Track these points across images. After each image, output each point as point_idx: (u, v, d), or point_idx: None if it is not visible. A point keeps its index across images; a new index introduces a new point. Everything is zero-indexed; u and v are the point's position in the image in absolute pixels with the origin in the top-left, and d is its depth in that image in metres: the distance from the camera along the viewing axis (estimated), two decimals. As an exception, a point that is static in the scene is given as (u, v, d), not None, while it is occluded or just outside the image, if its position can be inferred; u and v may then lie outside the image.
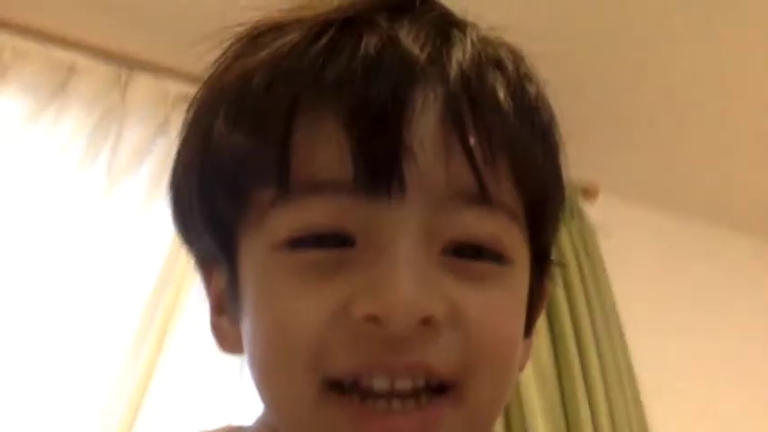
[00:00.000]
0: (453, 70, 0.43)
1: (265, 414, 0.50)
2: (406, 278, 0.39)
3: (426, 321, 0.39)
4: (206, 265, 0.52)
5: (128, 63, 2.00)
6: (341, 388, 0.41)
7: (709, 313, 2.26)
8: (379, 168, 0.41)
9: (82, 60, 1.96)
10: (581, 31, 2.16)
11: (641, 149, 2.44)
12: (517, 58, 0.49)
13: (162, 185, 0.57)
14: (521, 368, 0.49)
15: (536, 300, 0.50)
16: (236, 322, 0.48)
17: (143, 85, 1.98)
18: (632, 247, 2.27)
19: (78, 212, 1.70)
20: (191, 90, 2.02)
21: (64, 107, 1.88)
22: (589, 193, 2.32)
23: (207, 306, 0.53)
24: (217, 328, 0.51)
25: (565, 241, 2.08)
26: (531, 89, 0.48)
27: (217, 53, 0.55)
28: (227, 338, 0.50)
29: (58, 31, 1.96)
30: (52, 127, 1.84)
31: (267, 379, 0.44)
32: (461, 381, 0.41)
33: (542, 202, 0.47)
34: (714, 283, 2.34)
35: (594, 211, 2.29)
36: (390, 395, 0.40)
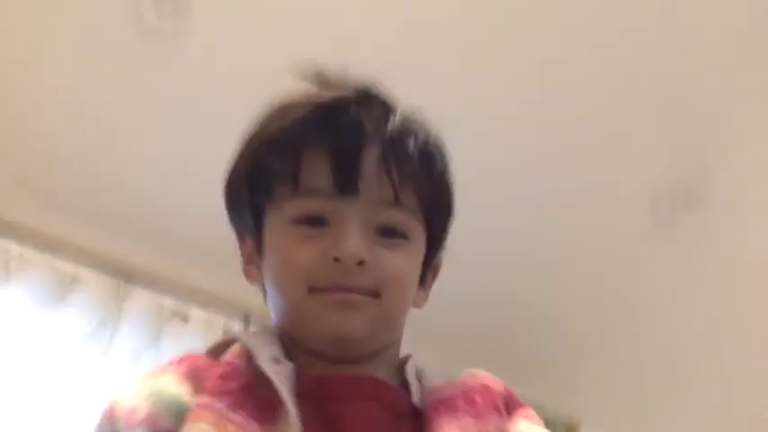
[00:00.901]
0: (387, 137, 0.78)
1: (262, 324, 0.84)
2: (353, 240, 0.74)
3: (361, 263, 0.74)
4: (241, 233, 0.85)
5: (127, 274, 2.09)
6: (318, 290, 0.75)
7: None
8: (345, 184, 0.76)
9: (83, 271, 2.05)
10: (571, 281, 2.32)
11: (621, 389, 2.50)
12: (425, 133, 0.82)
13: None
14: (418, 305, 0.85)
15: (429, 267, 0.86)
16: (259, 266, 0.82)
17: (140, 297, 2.05)
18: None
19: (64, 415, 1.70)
20: (185, 306, 2.09)
21: (61, 314, 1.93)
22: (570, 428, 2.33)
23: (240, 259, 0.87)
24: (247, 272, 0.85)
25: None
26: (432, 149, 0.82)
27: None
28: (254, 276, 0.84)
29: (62, 240, 2.07)
30: (47, 333, 1.87)
31: (279, 288, 0.78)
32: (379, 291, 0.76)
33: (433, 208, 0.82)
34: None
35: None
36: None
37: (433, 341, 1.67)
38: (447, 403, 0.74)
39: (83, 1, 1.97)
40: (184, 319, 2.06)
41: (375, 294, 0.75)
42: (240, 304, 2.07)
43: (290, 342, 0.78)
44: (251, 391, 0.70)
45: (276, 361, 0.73)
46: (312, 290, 0.75)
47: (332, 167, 0.76)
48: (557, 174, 2.22)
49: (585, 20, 1.99)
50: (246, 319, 2.10)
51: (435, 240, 0.85)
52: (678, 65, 2.04)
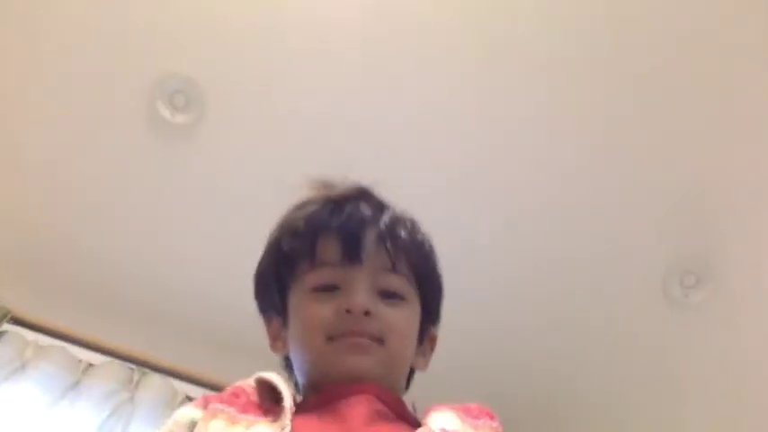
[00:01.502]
0: (383, 224, 0.96)
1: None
2: (360, 295, 0.90)
3: (367, 313, 0.89)
4: (268, 315, 1.02)
5: (141, 363, 2.10)
6: (335, 338, 0.89)
7: None
8: (351, 255, 0.93)
9: (98, 359, 2.07)
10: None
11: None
12: (414, 223, 1.01)
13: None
14: (419, 367, 1.00)
15: (427, 335, 1.01)
16: (284, 339, 0.98)
17: (154, 385, 2.06)
18: None
19: None
20: (198, 391, 2.09)
21: (75, 404, 1.93)
22: None
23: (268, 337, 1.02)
24: (274, 347, 1.00)
25: None
26: (419, 236, 1.01)
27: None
28: (280, 349, 0.99)
29: (78, 333, 2.10)
30: (61, 424, 1.87)
31: (303, 343, 0.92)
32: (383, 338, 0.90)
33: (425, 279, 0.99)
34: None
35: None
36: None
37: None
38: (444, 406, 0.87)
39: (98, 95, 2.05)
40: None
41: (380, 341, 0.90)
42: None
43: (312, 392, 0.92)
44: (257, 404, 0.86)
45: (280, 375, 0.90)
46: (330, 339, 0.89)
47: (340, 244, 0.94)
48: (569, 253, 2.25)
49: (596, 92, 2.04)
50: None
51: (430, 312, 1.02)
52: (688, 139, 2.09)
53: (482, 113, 2.09)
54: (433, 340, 1.05)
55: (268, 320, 1.02)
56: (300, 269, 0.96)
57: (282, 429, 0.78)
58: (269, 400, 0.86)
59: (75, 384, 1.99)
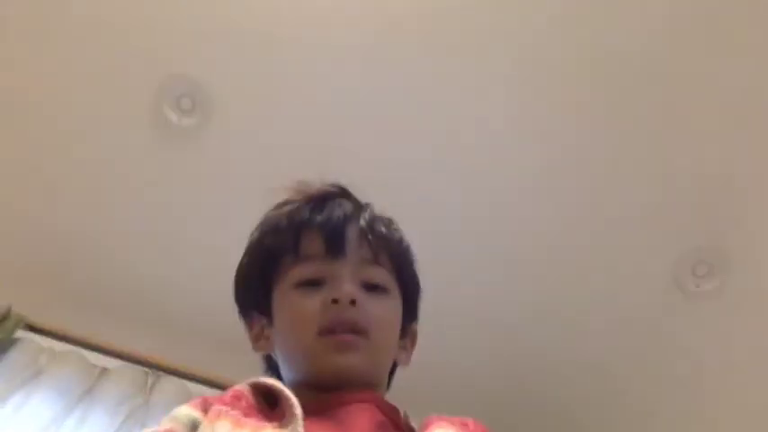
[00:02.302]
0: (364, 219, 0.99)
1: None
2: (346, 284, 0.92)
3: (353, 302, 0.90)
4: (249, 316, 1.03)
5: (155, 367, 2.11)
6: (324, 333, 0.90)
7: None
8: (334, 248, 0.95)
9: (113, 363, 2.08)
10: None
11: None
12: (392, 221, 1.05)
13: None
14: (402, 362, 1.01)
15: (408, 331, 1.03)
16: (269, 337, 0.99)
17: (168, 388, 2.07)
18: None
19: None
20: (214, 393, 2.09)
21: (90, 410, 1.94)
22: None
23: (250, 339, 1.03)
24: (256, 347, 1.01)
25: None
26: (397, 233, 1.04)
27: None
28: (264, 348, 1.00)
29: (92, 338, 2.11)
30: (77, 430, 1.88)
31: (291, 337, 0.94)
32: (368, 330, 0.91)
33: (405, 273, 1.02)
34: None
35: None
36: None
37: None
38: (442, 419, 0.86)
39: (104, 98, 2.06)
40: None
41: (365, 335, 0.91)
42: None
43: (298, 389, 0.89)
44: (257, 408, 0.84)
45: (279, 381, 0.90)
46: (319, 332, 0.90)
47: (324, 238, 0.96)
48: (580, 242, 2.25)
49: (610, 81, 2.04)
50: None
51: (409, 308, 1.04)
52: (701, 127, 2.08)
53: (488, 99, 2.09)
54: (413, 336, 1.06)
55: (249, 321, 1.03)
56: (284, 265, 0.97)
57: None
58: (266, 405, 0.85)
59: (90, 390, 1.99)
